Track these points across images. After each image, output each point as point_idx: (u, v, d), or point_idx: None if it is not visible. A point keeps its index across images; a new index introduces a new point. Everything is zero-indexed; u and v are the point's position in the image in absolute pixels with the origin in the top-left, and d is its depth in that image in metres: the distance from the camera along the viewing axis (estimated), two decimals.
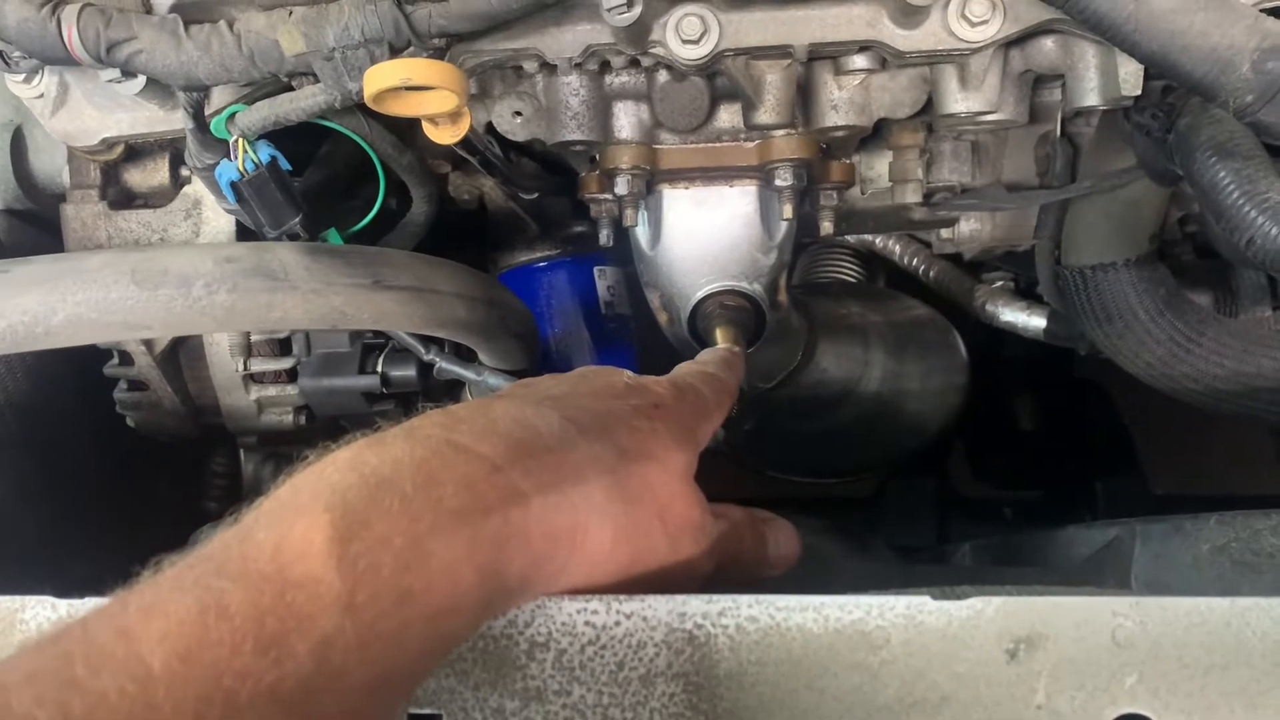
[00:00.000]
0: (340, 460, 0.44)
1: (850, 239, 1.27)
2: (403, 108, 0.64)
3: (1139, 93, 0.74)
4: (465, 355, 0.86)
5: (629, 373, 0.60)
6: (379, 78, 0.60)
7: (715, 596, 0.49)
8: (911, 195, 0.97)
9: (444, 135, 0.67)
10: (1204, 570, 0.76)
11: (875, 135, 1.00)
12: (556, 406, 0.52)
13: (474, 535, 0.44)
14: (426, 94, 0.64)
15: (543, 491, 0.47)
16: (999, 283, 1.14)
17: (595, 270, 1.07)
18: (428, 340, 0.83)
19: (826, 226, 0.94)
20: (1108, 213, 0.93)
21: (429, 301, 0.65)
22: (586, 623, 0.49)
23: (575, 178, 0.95)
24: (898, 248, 1.24)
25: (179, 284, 0.57)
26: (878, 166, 1.03)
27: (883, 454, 1.06)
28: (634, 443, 0.53)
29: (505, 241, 1.07)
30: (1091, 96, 0.78)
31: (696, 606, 0.49)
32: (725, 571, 0.57)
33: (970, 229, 1.09)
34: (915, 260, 1.23)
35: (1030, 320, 1.10)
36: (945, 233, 1.10)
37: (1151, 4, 0.60)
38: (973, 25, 0.71)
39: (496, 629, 0.49)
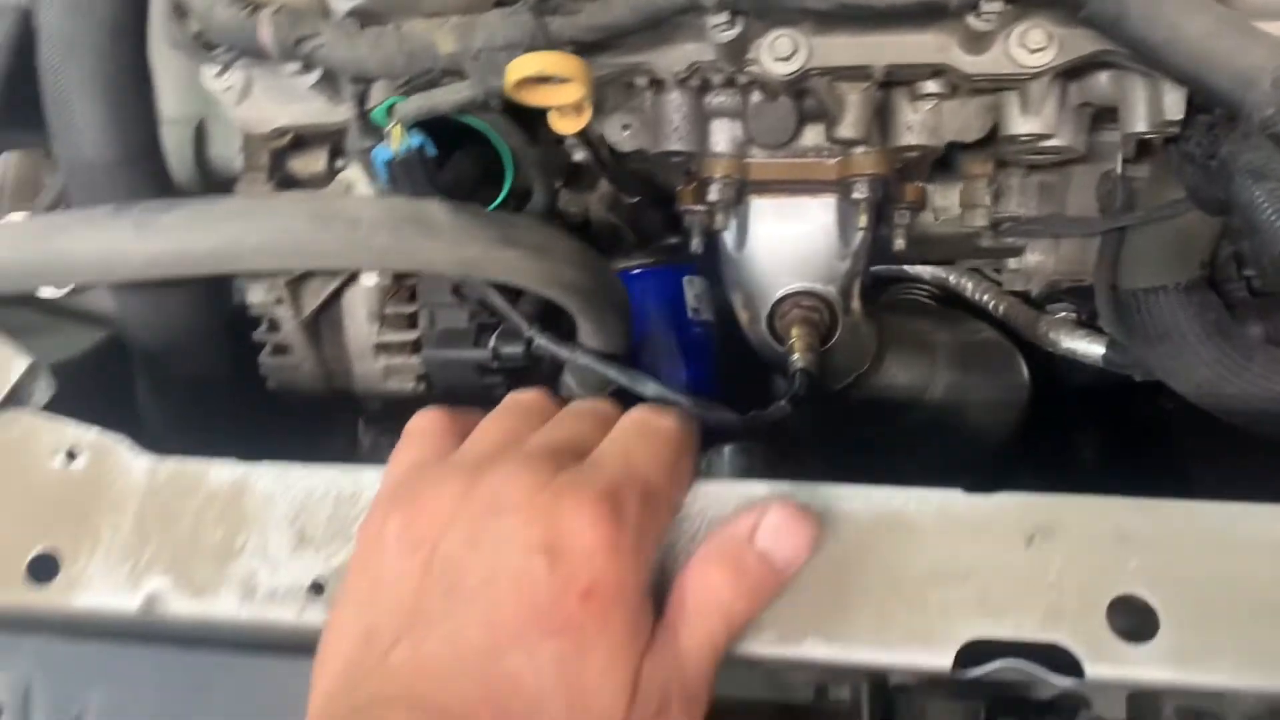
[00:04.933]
0: None
1: (925, 275, 1.36)
2: (536, 98, 0.76)
3: (1181, 116, 0.83)
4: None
5: (547, 535, 0.51)
6: (521, 67, 0.73)
7: (776, 482, 0.58)
8: (980, 220, 1.07)
9: (568, 125, 0.79)
10: None
11: (947, 168, 1.11)
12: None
13: None
14: (556, 87, 0.76)
15: None
16: (1062, 314, 1.22)
17: (685, 280, 1.18)
18: (532, 322, 0.95)
19: (900, 243, 1.04)
20: (1161, 240, 1.01)
21: (547, 262, 0.76)
22: None
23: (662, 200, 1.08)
24: (969, 284, 1.32)
25: (348, 224, 0.69)
26: (950, 197, 1.13)
27: (945, 461, 1.13)
28: (563, 684, 0.49)
29: (606, 250, 1.19)
30: (1141, 123, 0.87)
31: (760, 491, 0.58)
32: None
33: (1036, 260, 1.18)
34: (985, 296, 1.31)
35: (1090, 347, 1.17)
36: (1013, 263, 1.19)
37: (1185, 30, 0.70)
38: (1031, 52, 0.81)
39: None
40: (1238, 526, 0.54)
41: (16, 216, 0.94)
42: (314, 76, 0.87)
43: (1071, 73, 0.88)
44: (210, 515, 0.63)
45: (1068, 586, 0.54)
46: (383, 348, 1.03)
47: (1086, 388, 1.29)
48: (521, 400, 0.64)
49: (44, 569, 0.63)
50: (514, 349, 1.01)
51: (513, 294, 0.99)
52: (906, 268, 1.32)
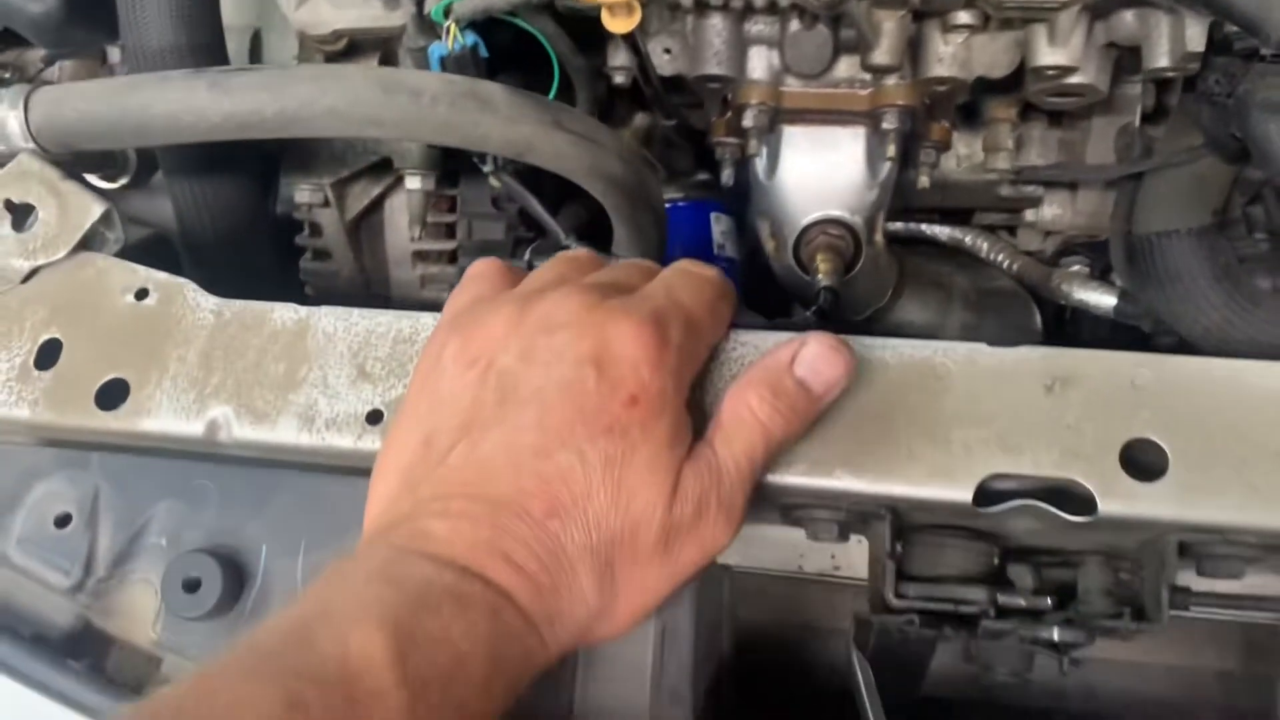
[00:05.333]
0: (376, 572, 0.50)
1: (943, 236, 1.40)
2: None
3: (1202, 49, 0.87)
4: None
5: (595, 348, 0.55)
6: None
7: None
8: (1002, 163, 1.11)
9: (620, 24, 0.83)
10: None
11: (972, 116, 1.15)
12: (540, 489, 0.52)
13: (501, 663, 0.50)
14: None
15: (550, 619, 0.53)
16: (1075, 267, 1.26)
17: (712, 216, 1.22)
18: (568, 233, 0.99)
19: (924, 181, 1.08)
20: (1175, 185, 1.05)
21: (595, 150, 0.80)
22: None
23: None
24: (985, 244, 1.36)
25: (412, 94, 0.73)
26: (973, 145, 1.17)
27: None
28: (609, 480, 0.53)
29: None
30: (1164, 59, 0.91)
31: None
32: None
33: (1053, 213, 1.22)
34: (1000, 255, 1.35)
35: (1102, 299, 1.21)
36: (1030, 215, 1.23)
37: None
38: None
39: None
40: (1243, 379, 0.58)
41: None
42: None
43: (1099, 11, 0.92)
44: (274, 350, 0.67)
45: (1084, 430, 0.58)
46: (421, 255, 1.06)
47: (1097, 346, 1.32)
48: (572, 253, 0.68)
49: (113, 395, 0.67)
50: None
51: (552, 209, 1.03)
52: (924, 228, 1.35)
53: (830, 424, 0.60)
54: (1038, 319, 1.23)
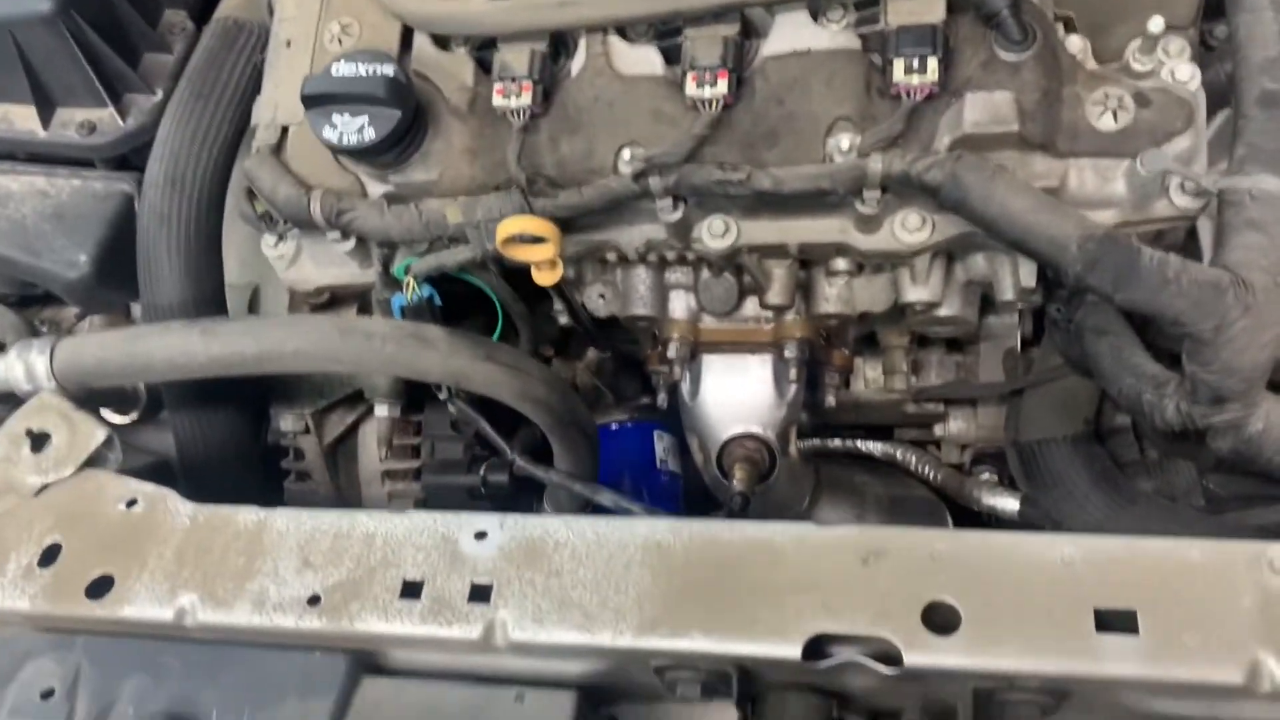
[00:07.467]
0: None
1: (877, 452, 1.54)
2: (519, 254, 0.98)
3: (1034, 283, 1.03)
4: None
5: None
6: (507, 227, 0.95)
7: (674, 519, 0.75)
8: (899, 384, 1.27)
9: (545, 278, 1.01)
10: None
11: (875, 344, 1.32)
12: None
13: None
14: (534, 246, 0.98)
15: None
16: (985, 475, 1.39)
17: (655, 434, 1.37)
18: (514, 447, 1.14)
19: (830, 400, 1.23)
20: (1048, 399, 1.20)
21: (522, 378, 0.96)
22: (593, 531, 0.76)
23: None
24: (912, 457, 1.50)
25: (364, 336, 0.89)
26: (879, 368, 1.33)
27: None
28: None
29: (589, 408, 1.39)
30: (1009, 293, 1.07)
31: (662, 524, 0.75)
32: None
33: (958, 426, 1.37)
34: (926, 468, 1.48)
35: (1007, 504, 1.33)
36: (938, 430, 1.38)
37: (1011, 207, 0.91)
38: (911, 232, 1.03)
39: (534, 531, 0.76)
40: (1021, 548, 0.70)
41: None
42: (350, 244, 1.10)
43: (955, 254, 1.09)
44: (236, 546, 0.80)
45: (892, 594, 0.69)
46: (389, 474, 1.21)
47: None
48: None
49: (100, 588, 0.80)
50: (500, 477, 1.20)
51: (506, 434, 1.18)
52: (860, 445, 1.49)
53: (686, 594, 0.72)
54: (949, 523, 1.35)
